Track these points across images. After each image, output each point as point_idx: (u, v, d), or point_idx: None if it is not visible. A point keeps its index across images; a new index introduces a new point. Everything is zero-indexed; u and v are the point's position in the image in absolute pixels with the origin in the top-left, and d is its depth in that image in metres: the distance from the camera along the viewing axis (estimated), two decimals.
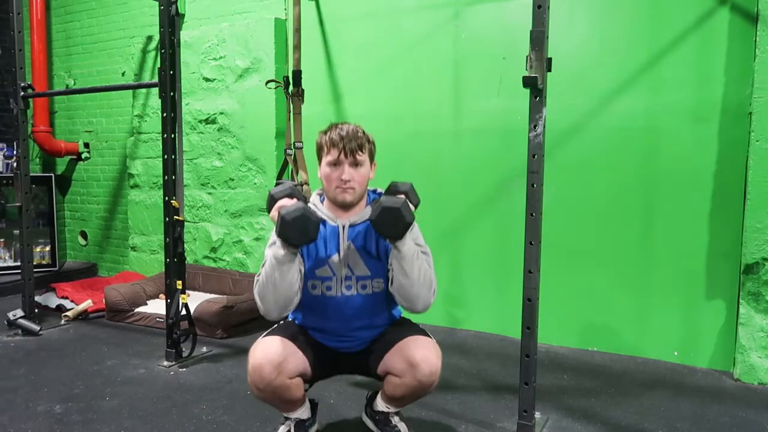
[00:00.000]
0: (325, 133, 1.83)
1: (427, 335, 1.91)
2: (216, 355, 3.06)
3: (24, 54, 3.40)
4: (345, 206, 1.85)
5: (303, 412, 1.96)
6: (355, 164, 1.80)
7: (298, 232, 1.66)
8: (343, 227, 1.84)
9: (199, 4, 4.28)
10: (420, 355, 1.80)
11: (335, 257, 1.84)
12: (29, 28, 4.82)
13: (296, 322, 1.99)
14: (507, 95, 3.25)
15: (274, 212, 1.76)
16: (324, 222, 1.84)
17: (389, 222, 1.69)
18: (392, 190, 1.86)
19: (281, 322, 1.99)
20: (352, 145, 1.78)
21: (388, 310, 1.97)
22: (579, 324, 3.17)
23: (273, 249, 1.73)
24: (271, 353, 1.77)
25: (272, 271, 1.72)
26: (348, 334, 1.93)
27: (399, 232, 1.70)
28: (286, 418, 1.97)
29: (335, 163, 1.80)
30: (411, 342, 1.84)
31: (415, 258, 1.75)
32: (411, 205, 1.76)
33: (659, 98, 2.91)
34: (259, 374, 1.76)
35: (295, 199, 1.79)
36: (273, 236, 1.80)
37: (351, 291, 1.86)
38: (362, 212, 1.87)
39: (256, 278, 1.80)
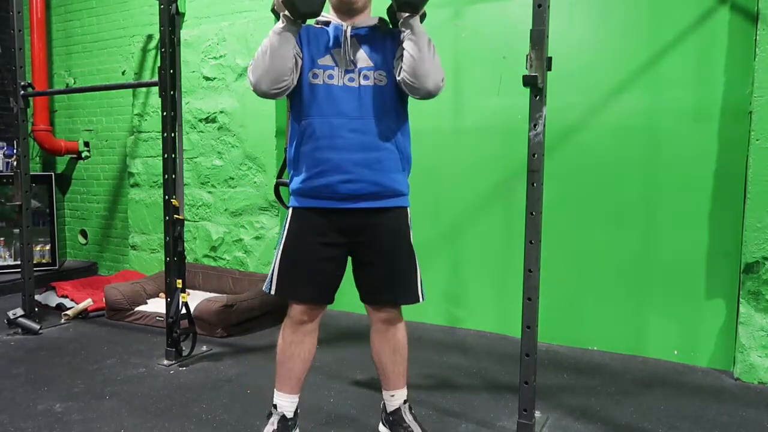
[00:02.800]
0: None
1: (411, 295, 1.92)
2: (216, 354, 3.06)
3: (24, 53, 3.39)
4: (350, 11, 1.85)
5: (292, 405, 1.98)
6: None
7: None
8: (347, 27, 1.84)
9: (199, 2, 4.28)
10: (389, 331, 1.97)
11: (338, 49, 1.84)
12: (29, 26, 4.81)
13: (291, 185, 1.91)
14: (507, 94, 3.25)
15: None
16: (328, 22, 1.86)
17: None
18: None
19: (283, 257, 1.90)
20: None
21: (392, 124, 1.87)
22: (579, 323, 3.17)
23: (274, 27, 1.74)
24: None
25: (268, 43, 1.73)
26: (350, 159, 1.80)
27: (419, 1, 1.71)
28: (271, 413, 1.98)
29: None
30: (383, 319, 1.96)
31: (428, 39, 1.78)
32: None
33: (659, 97, 2.91)
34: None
35: None
36: None
37: (353, 83, 1.83)
38: (366, 20, 1.88)
39: (251, 61, 1.80)
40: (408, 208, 1.95)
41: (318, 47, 1.84)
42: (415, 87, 1.79)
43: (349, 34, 1.83)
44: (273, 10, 1.86)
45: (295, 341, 1.93)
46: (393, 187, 1.87)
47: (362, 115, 1.81)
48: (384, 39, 1.87)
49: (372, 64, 1.84)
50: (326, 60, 1.83)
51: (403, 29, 1.78)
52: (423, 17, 1.85)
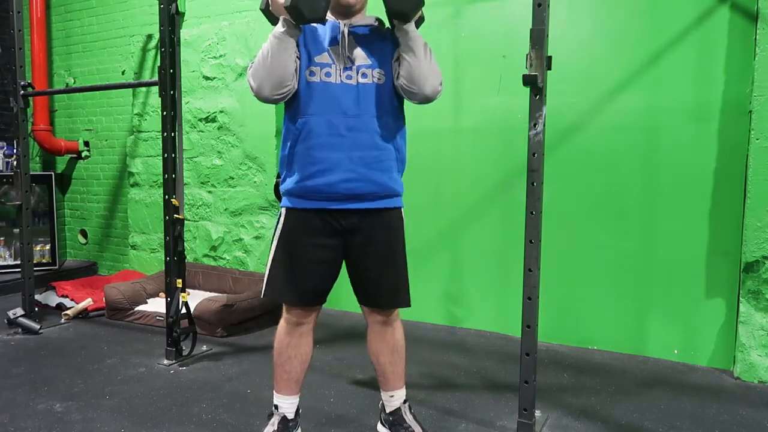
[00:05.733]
0: None
1: (403, 300, 1.93)
2: (216, 354, 3.06)
3: (24, 52, 3.39)
4: (347, 13, 1.84)
5: (292, 406, 1.98)
6: None
7: (309, 3, 1.64)
8: (344, 25, 1.83)
9: (199, 2, 4.28)
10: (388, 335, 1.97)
11: (336, 47, 1.82)
12: (29, 26, 4.82)
13: (287, 186, 1.86)
14: (507, 93, 3.24)
15: None
16: (324, 20, 1.82)
17: None
18: None
19: (279, 258, 1.88)
20: None
21: (391, 123, 1.85)
22: (579, 322, 3.17)
23: (273, 30, 1.72)
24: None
25: (268, 48, 1.71)
26: (349, 157, 1.78)
27: (412, 7, 1.70)
28: (272, 414, 1.98)
29: None
30: (381, 321, 1.95)
31: (424, 44, 1.77)
32: None
33: (659, 97, 2.91)
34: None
35: None
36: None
37: (351, 81, 1.80)
38: (363, 19, 1.87)
39: (249, 64, 1.79)
40: (402, 210, 1.95)
41: (315, 45, 1.82)
42: (413, 92, 1.79)
43: (347, 32, 1.82)
44: (264, 11, 1.83)
45: (292, 344, 1.93)
46: (390, 186, 1.86)
47: (361, 112, 1.79)
48: (382, 39, 1.85)
49: (370, 62, 1.82)
50: (323, 57, 1.81)
51: (398, 35, 1.77)
52: (421, 21, 1.84)
